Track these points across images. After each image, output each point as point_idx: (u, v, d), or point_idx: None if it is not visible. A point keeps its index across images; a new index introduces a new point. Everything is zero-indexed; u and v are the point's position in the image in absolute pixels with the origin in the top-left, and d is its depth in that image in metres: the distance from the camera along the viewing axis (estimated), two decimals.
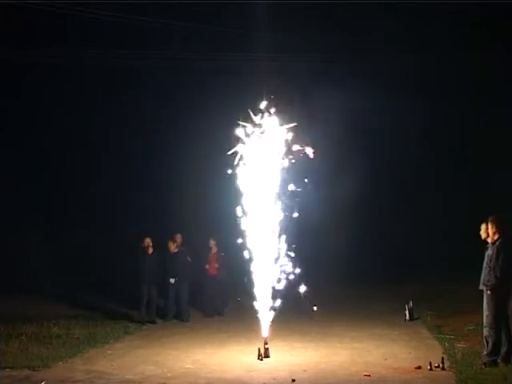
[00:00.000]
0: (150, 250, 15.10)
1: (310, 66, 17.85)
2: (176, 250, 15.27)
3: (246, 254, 10.87)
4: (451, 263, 20.18)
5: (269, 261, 10.86)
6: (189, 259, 15.46)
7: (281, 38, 17.00)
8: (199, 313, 15.72)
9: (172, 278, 15.04)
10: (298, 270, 10.94)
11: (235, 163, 10.81)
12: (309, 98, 17.88)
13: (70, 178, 21.76)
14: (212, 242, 15.83)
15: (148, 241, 15.15)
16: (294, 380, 9.19)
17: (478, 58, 17.55)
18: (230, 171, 10.81)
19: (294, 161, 10.86)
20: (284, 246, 10.88)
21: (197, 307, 15.83)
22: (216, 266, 15.77)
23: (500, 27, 18.12)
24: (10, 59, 16.78)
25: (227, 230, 11.70)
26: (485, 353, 9.71)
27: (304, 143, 10.84)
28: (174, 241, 15.34)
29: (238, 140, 10.84)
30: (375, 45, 18.60)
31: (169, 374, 9.78)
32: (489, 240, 9.81)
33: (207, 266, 15.82)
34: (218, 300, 15.82)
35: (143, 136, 22.03)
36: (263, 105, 10.76)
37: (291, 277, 10.94)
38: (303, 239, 11.45)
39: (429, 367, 9.54)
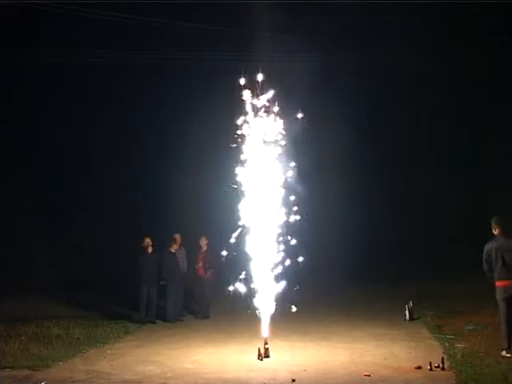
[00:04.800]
0: (150, 250, 15.10)
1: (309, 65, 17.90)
2: (174, 251, 15.30)
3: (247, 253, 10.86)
4: (451, 263, 20.20)
5: (268, 260, 10.86)
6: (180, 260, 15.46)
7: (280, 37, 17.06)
8: (192, 314, 15.73)
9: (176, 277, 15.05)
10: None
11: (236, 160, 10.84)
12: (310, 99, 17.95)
13: (70, 178, 21.77)
14: (203, 242, 15.62)
15: (148, 240, 15.14)
16: (293, 380, 9.17)
17: (481, 56, 17.68)
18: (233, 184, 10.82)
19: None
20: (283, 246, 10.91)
21: (189, 309, 15.86)
22: (202, 265, 15.49)
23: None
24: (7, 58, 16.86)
25: (224, 230, 11.67)
26: None
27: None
28: (176, 241, 15.35)
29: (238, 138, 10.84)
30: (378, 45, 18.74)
31: (169, 374, 9.77)
32: None
33: (197, 266, 15.63)
34: (204, 302, 15.56)
35: (142, 136, 22.07)
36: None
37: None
38: (303, 240, 11.42)
39: (429, 367, 9.53)
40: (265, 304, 10.92)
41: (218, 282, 15.55)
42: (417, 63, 18.77)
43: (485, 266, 10.44)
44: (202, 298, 15.62)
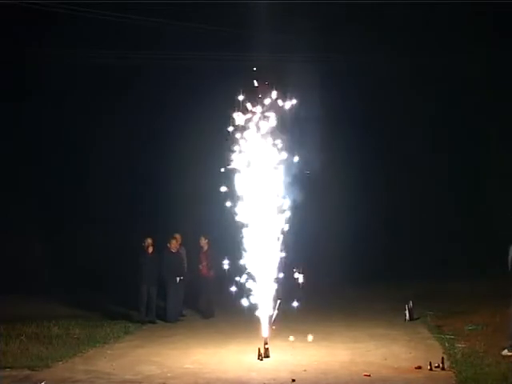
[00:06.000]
0: (150, 250, 15.09)
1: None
2: (175, 250, 15.30)
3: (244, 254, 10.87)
4: (451, 263, 20.20)
5: (267, 259, 10.86)
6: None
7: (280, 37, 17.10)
8: (198, 313, 15.73)
9: (178, 277, 15.04)
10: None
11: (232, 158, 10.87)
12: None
13: (70, 178, 21.77)
14: (203, 241, 15.66)
15: (149, 241, 15.11)
16: (294, 380, 9.18)
17: (482, 60, 17.72)
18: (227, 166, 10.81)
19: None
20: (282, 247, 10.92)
21: (193, 308, 15.84)
22: (205, 265, 15.48)
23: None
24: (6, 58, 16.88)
25: (222, 228, 11.66)
26: None
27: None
28: (177, 240, 15.36)
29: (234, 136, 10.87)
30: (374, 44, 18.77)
31: (169, 374, 9.77)
32: None
33: (200, 266, 15.62)
34: (210, 300, 15.55)
35: (142, 136, 22.08)
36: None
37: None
38: (303, 239, 11.44)
39: (429, 367, 9.53)
40: (264, 304, 10.93)
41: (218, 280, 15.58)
42: (417, 63, 18.79)
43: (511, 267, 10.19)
44: (208, 297, 15.60)
